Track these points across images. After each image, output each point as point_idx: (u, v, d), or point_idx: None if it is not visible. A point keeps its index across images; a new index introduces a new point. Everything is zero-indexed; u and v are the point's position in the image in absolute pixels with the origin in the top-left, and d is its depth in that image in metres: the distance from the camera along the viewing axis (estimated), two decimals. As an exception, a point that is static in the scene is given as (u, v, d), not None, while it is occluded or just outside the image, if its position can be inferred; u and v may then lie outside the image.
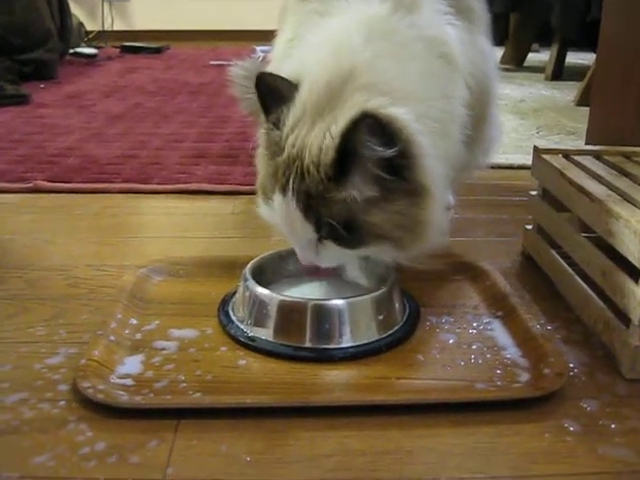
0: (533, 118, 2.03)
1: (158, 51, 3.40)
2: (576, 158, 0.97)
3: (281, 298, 0.78)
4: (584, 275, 0.86)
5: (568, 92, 2.47)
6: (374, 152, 0.70)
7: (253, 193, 1.30)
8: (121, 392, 0.67)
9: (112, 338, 0.76)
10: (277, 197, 0.75)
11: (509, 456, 0.61)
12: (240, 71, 1.56)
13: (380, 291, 0.80)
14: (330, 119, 0.72)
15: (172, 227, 1.18)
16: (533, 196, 1.03)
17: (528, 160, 1.44)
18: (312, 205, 0.73)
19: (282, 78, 0.77)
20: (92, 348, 0.73)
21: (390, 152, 0.70)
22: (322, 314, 0.76)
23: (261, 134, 0.83)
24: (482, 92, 0.92)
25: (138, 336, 0.79)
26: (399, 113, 0.72)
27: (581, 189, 0.85)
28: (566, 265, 0.91)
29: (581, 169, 0.93)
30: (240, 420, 0.65)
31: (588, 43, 2.58)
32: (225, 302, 0.85)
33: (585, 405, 0.68)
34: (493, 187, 1.40)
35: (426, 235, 0.76)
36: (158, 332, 0.79)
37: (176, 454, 0.61)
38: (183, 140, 1.69)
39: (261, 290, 0.79)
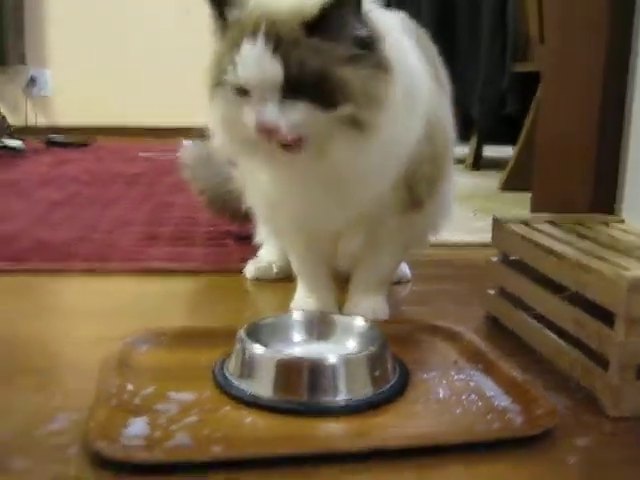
0: (467, 203, 2.15)
1: (85, 145, 3.41)
2: (535, 225, 1.06)
3: (279, 357, 0.81)
4: (552, 328, 0.92)
5: (490, 180, 2.62)
6: (353, 25, 0.82)
7: (216, 271, 1.35)
8: (138, 450, 0.67)
9: (113, 402, 0.76)
10: (245, 46, 0.82)
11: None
12: (189, 154, 1.61)
13: (373, 349, 0.83)
14: None
15: (139, 305, 1.18)
16: (494, 262, 1.10)
17: (471, 238, 1.54)
18: (283, 45, 0.81)
19: None
20: (96, 411, 0.73)
21: (365, 31, 0.83)
22: (320, 371, 0.79)
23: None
24: (439, 148, 1.00)
25: (137, 400, 0.78)
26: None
27: (549, 250, 0.92)
28: (534, 321, 0.97)
29: (542, 234, 1.01)
30: (260, 472, 0.66)
31: (504, 135, 2.78)
32: (220, 365, 0.86)
33: (578, 442, 0.73)
34: (444, 262, 1.47)
35: (381, 109, 0.85)
36: (156, 396, 0.79)
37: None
38: (131, 224, 1.71)
39: (259, 349, 0.81)
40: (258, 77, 0.82)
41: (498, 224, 1.08)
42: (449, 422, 0.76)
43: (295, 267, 1.12)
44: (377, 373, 0.81)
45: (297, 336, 0.91)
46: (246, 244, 1.50)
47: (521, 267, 1.03)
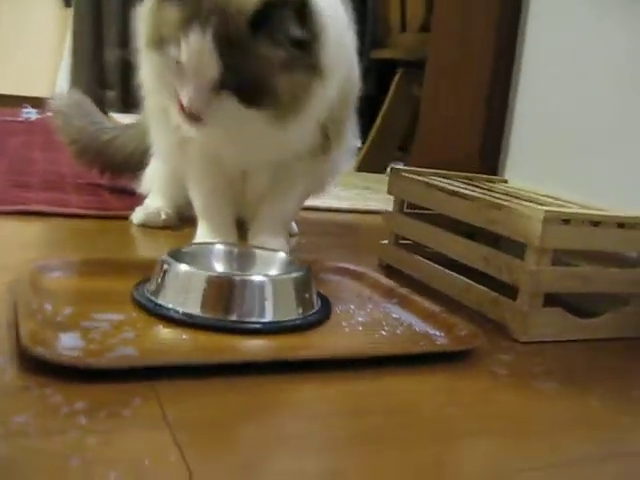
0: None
1: None
2: (429, 177, 1.12)
3: (209, 274, 0.80)
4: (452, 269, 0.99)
5: (343, 162, 2.71)
6: (292, 27, 0.85)
7: (101, 217, 1.28)
8: (83, 356, 0.64)
9: (38, 317, 0.71)
10: (193, 35, 0.83)
11: (467, 392, 0.69)
12: (62, 102, 1.53)
13: (300, 273, 0.84)
14: None
15: (27, 243, 1.10)
16: (390, 212, 1.14)
17: (340, 205, 1.60)
18: (227, 45, 0.83)
19: None
20: (25, 323, 0.68)
21: (303, 33, 0.85)
22: (250, 289, 0.78)
23: None
24: (347, 89, 1.05)
25: (60, 318, 0.74)
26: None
27: (455, 193, 0.98)
28: (436, 265, 1.03)
29: (442, 182, 1.06)
30: (211, 379, 0.64)
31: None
32: (139, 290, 0.83)
33: (501, 357, 0.79)
34: (325, 223, 1.51)
35: (303, 111, 0.91)
36: (80, 315, 0.75)
37: (168, 406, 0.59)
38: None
39: (188, 268, 0.80)
40: (197, 68, 0.86)
41: (397, 173, 1.12)
42: (377, 340, 0.78)
43: (199, 207, 1.10)
44: (305, 296, 0.83)
45: (218, 265, 0.90)
46: (121, 196, 1.46)
47: (416, 216, 1.09)
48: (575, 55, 1.12)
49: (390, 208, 1.14)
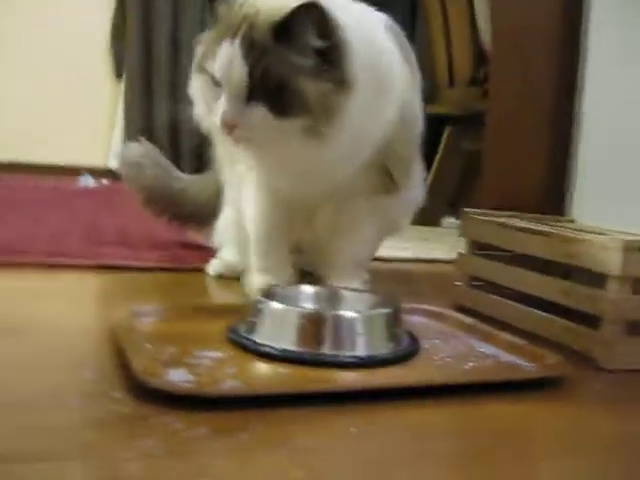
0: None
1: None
2: (500, 218, 1.14)
3: (302, 311, 0.84)
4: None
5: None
6: (312, 36, 0.90)
7: (178, 269, 1.33)
8: (199, 387, 0.67)
9: (145, 354, 0.75)
10: (224, 44, 0.90)
11: (564, 416, 0.70)
12: (133, 152, 1.56)
13: (389, 309, 0.86)
14: None
15: (111, 294, 1.15)
16: (464, 254, 1.17)
17: (404, 254, 1.61)
18: (253, 52, 0.89)
19: None
20: (136, 359, 0.71)
21: (322, 43, 0.91)
22: (343, 325, 0.81)
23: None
24: (407, 126, 1.08)
25: (164, 357, 0.77)
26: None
27: (531, 231, 1.00)
28: (512, 302, 1.04)
29: (514, 222, 1.09)
30: (314, 408, 0.67)
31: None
32: (234, 331, 0.86)
33: (591, 385, 0.80)
34: (386, 272, 1.54)
35: (337, 123, 0.92)
36: (182, 354, 0.78)
37: (282, 430, 0.61)
38: (69, 233, 1.65)
39: (282, 307, 0.83)
40: (227, 76, 0.91)
41: (468, 216, 1.15)
42: (469, 371, 0.80)
43: (254, 242, 1.14)
44: (394, 332, 0.85)
45: (308, 304, 0.92)
46: (191, 251, 1.50)
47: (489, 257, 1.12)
48: None
49: (454, 256, 1.18)
